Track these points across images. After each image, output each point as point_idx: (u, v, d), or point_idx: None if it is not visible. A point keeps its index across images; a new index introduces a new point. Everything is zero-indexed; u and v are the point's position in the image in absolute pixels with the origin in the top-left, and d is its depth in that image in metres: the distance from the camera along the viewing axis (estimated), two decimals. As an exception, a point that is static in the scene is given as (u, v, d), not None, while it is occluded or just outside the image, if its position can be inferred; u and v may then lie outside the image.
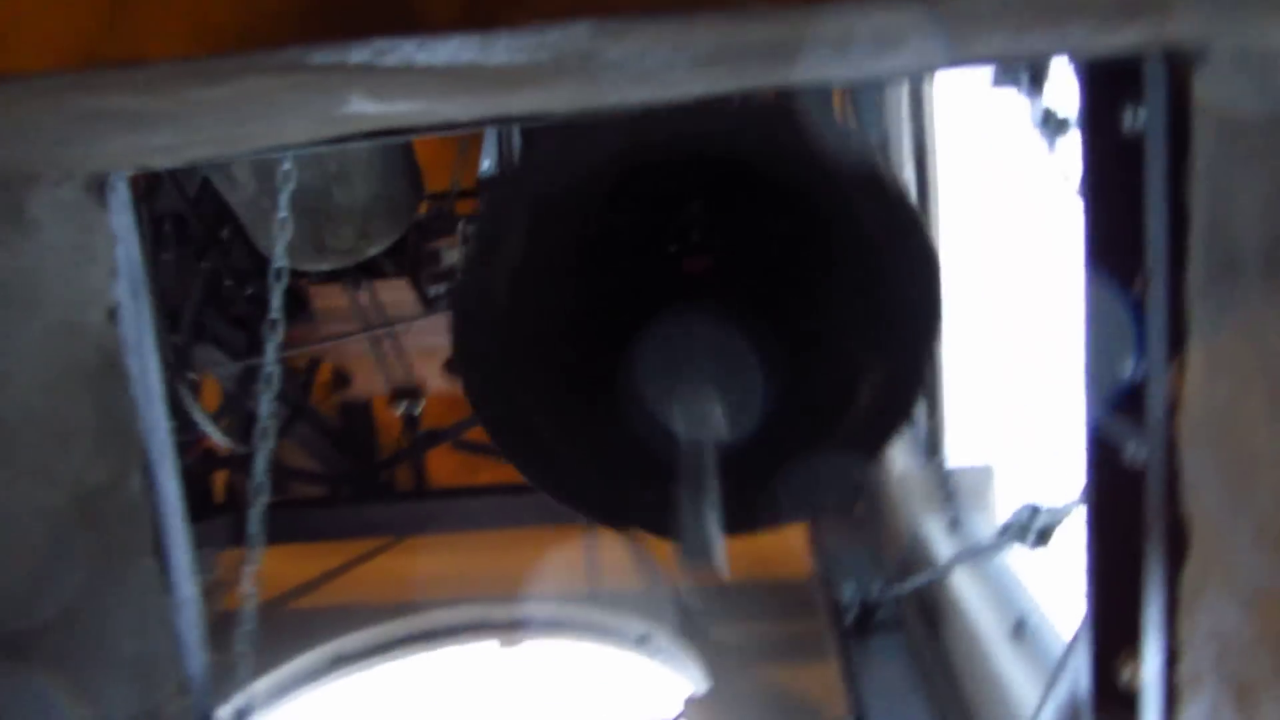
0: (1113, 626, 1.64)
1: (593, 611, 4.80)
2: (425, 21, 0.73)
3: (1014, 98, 2.59)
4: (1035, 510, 2.36)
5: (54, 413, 1.08)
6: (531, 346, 1.81)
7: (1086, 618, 1.70)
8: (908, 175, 4.22)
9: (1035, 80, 2.52)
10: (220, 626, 1.70)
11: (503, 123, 1.09)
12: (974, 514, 4.23)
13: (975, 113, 4.05)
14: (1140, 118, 1.37)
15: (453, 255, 3.79)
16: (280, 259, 1.37)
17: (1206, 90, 1.05)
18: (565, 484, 1.92)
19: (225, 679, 2.07)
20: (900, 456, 4.66)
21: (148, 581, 1.19)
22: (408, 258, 4.59)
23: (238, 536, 2.96)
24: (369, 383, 5.33)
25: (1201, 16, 0.99)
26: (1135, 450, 1.52)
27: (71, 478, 1.10)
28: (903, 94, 4.11)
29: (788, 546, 5.03)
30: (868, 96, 4.05)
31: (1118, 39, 1.14)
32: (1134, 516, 1.47)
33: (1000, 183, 4.07)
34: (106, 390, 1.12)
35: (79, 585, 1.10)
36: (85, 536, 1.11)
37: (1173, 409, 1.14)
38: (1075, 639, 1.93)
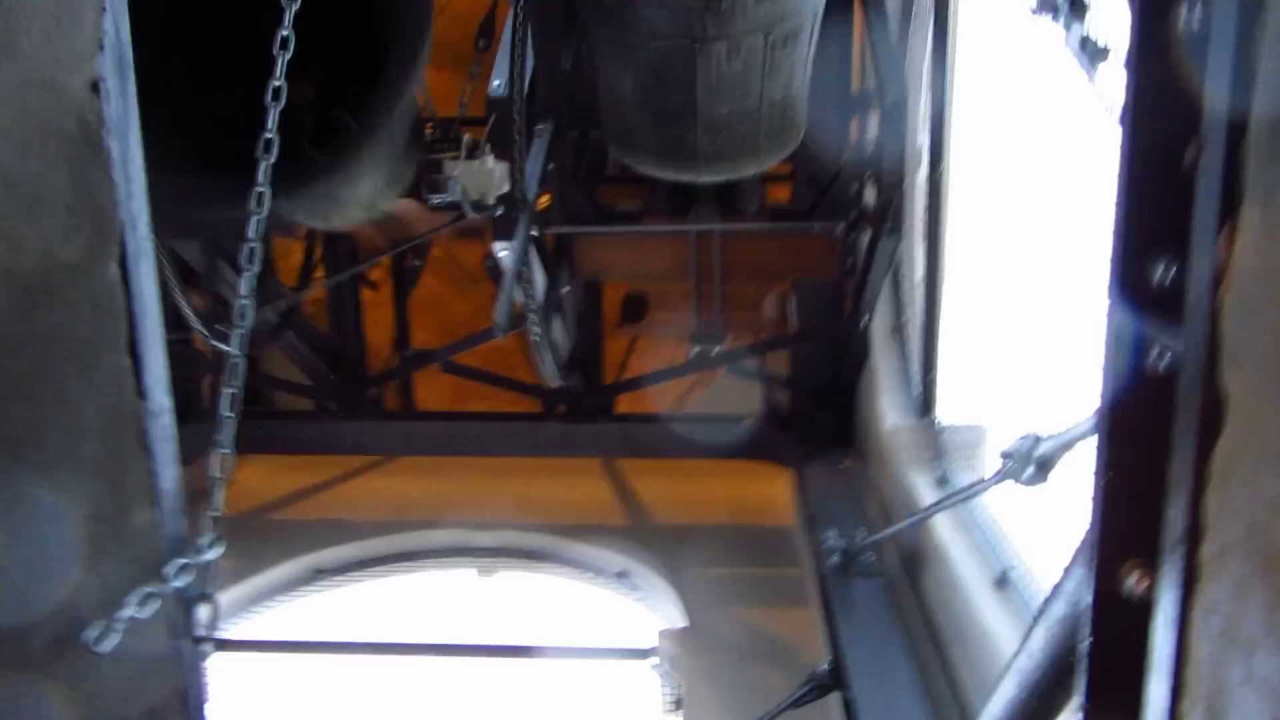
0: (1119, 536, 1.59)
1: (572, 545, 4.77)
2: None
3: (1051, 26, 2.51)
4: (1038, 439, 2.30)
5: (26, 173, 1.00)
6: None
7: (1091, 529, 1.65)
8: (922, 108, 4.15)
9: (1075, 4, 2.44)
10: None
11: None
12: (963, 471, 4.20)
13: (995, 57, 3.97)
14: (1198, 17, 1.31)
15: (453, 166, 3.72)
16: (279, 77, 1.29)
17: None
18: None
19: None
20: (891, 411, 4.62)
21: (119, 381, 1.12)
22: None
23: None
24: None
25: None
26: (1159, 352, 1.46)
27: (40, 247, 1.03)
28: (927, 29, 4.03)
29: (772, 494, 5.01)
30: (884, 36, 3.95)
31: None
32: (1151, 422, 1.42)
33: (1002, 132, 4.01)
34: (85, 165, 1.05)
35: (42, 365, 1.03)
36: (55, 314, 1.04)
37: (1218, 280, 1.07)
38: (1074, 556, 1.89)
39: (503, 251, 3.78)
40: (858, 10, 4.21)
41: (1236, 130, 1.07)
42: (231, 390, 1.27)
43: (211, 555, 1.25)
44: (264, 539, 4.50)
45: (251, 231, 1.27)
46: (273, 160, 1.29)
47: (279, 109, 1.33)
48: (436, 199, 3.68)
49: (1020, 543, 3.50)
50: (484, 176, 3.63)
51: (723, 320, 4.83)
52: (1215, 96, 1.11)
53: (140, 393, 1.15)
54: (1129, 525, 1.50)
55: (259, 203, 1.26)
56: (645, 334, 5.21)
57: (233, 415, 1.28)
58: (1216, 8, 1.12)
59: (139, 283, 1.13)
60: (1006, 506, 3.62)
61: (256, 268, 1.28)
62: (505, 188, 3.65)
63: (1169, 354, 1.39)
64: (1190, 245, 1.17)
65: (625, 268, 4.79)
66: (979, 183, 4.23)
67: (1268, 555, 0.94)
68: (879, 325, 4.80)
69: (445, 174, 3.67)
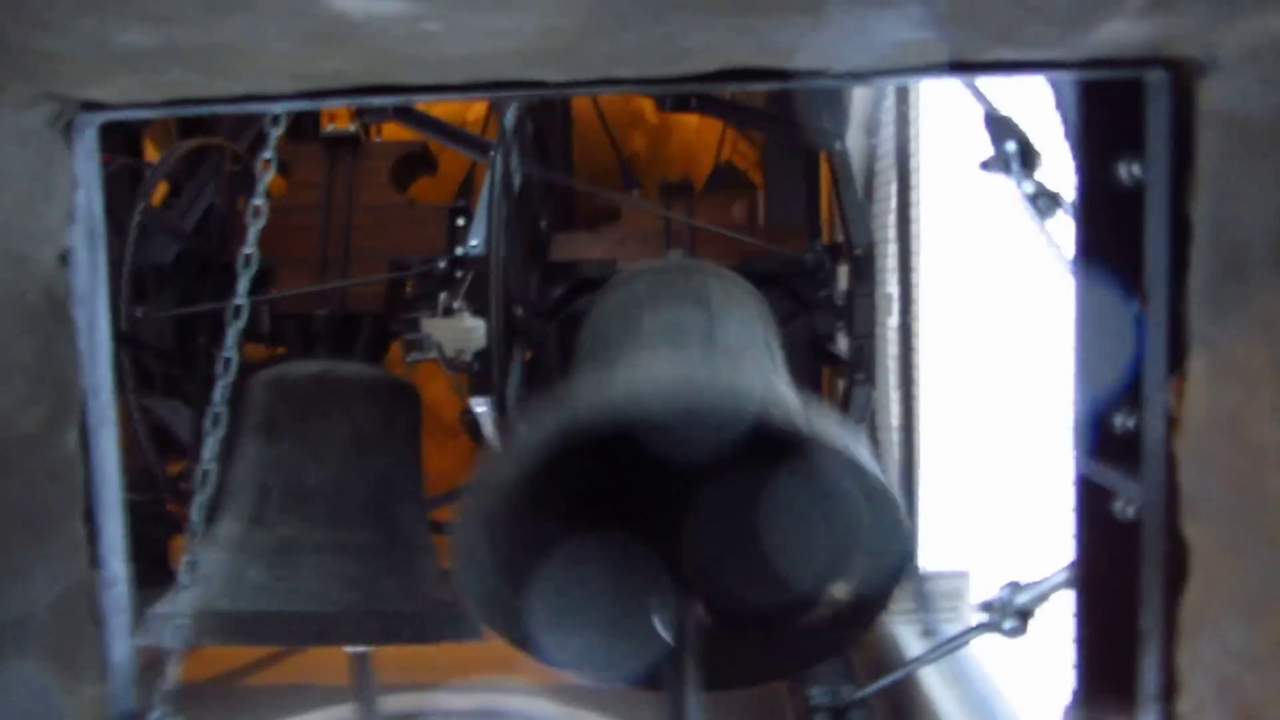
0: (1099, 691, 1.55)
1: (556, 707, 4.61)
2: None
3: (1003, 181, 2.60)
4: (1017, 587, 2.28)
5: (-12, 345, 1.01)
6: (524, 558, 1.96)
7: (1074, 684, 1.61)
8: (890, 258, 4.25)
9: (1025, 160, 2.53)
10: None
11: (503, 91, 1.05)
12: (949, 620, 4.13)
13: (956, 207, 4.10)
14: (1136, 172, 1.37)
15: (430, 324, 3.75)
16: (252, 244, 1.31)
17: (1213, 95, 1.03)
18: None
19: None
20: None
21: (74, 550, 1.10)
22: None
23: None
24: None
25: (1206, 17, 0.99)
26: (1125, 502, 1.46)
27: (-1, 416, 1.02)
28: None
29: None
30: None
31: (1122, 45, 1.13)
32: (1122, 572, 1.41)
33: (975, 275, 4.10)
34: (50, 335, 1.06)
35: (-5, 537, 1.02)
36: (9, 484, 1.03)
37: (1172, 426, 1.09)
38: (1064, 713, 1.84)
39: (480, 407, 3.79)
40: (824, 164, 4.36)
41: (1177, 281, 1.10)
42: (190, 559, 1.25)
43: (164, 732, 1.20)
44: (230, 708, 4.33)
45: (218, 396, 1.27)
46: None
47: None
48: (413, 356, 3.71)
49: (1012, 693, 3.41)
50: (461, 333, 3.66)
51: None
52: (1155, 248, 1.15)
53: (95, 561, 1.13)
54: (1108, 679, 1.46)
55: (227, 368, 1.27)
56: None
57: (188, 584, 1.25)
58: (1151, 163, 1.17)
59: (99, 450, 1.13)
60: (997, 653, 3.54)
61: (221, 431, 1.28)
62: (483, 344, 3.68)
63: (1134, 503, 1.39)
64: (1143, 395, 1.19)
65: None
66: (951, 329, 4.30)
67: (1244, 710, 0.91)
68: (858, 473, 4.78)
69: (422, 331, 3.71)
